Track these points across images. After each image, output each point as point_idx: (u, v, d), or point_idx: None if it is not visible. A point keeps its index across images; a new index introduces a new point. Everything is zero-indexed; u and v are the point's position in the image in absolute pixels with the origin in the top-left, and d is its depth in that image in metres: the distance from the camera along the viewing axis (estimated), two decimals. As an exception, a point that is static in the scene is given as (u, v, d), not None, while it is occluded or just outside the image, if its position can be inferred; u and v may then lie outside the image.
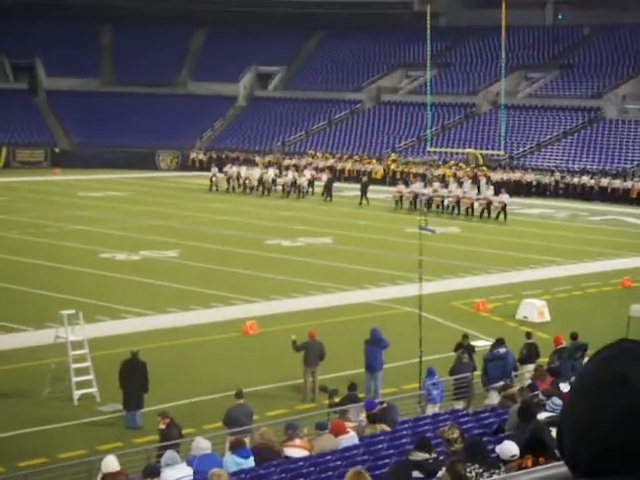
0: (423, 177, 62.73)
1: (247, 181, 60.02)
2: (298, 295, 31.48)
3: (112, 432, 19.51)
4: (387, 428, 16.07)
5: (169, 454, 13.90)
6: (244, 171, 60.86)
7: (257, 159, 72.47)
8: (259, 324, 27.27)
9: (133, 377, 19.85)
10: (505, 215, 49.66)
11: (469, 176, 62.03)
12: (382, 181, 64.23)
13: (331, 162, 69.22)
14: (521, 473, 2.46)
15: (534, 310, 28.99)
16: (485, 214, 50.48)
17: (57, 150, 76.76)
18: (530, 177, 62.62)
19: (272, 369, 23.34)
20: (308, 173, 60.80)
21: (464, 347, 21.73)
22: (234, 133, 79.99)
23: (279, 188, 59.21)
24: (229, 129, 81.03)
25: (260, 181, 59.49)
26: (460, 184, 54.95)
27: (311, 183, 59.13)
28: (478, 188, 61.63)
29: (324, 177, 59.28)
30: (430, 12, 64.73)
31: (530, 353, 21.84)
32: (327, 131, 78.29)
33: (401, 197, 53.81)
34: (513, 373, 20.35)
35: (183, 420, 20.04)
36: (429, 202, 51.71)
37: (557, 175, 62.41)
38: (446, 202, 52.46)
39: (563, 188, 61.49)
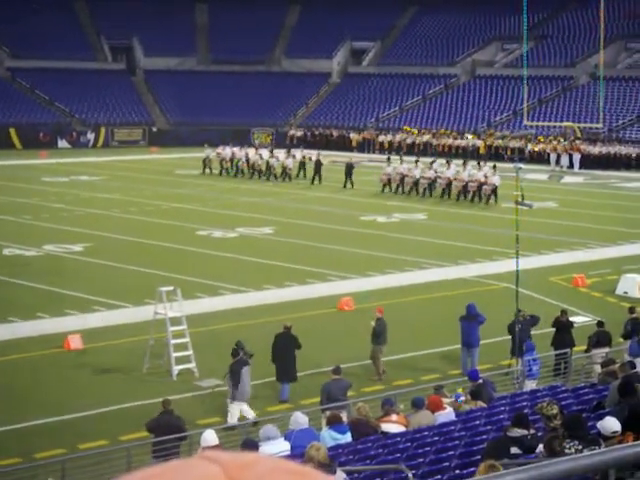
0: (521, 151, 61.94)
1: (240, 163, 56.23)
2: (393, 271, 31.41)
3: (211, 407, 19.76)
4: (483, 404, 15.97)
5: (268, 428, 13.96)
6: (237, 152, 57.11)
7: (352, 136, 72.50)
8: (355, 300, 27.31)
9: (285, 350, 20.21)
10: (496, 198, 45.36)
11: (566, 150, 61.15)
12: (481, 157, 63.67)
13: (426, 138, 68.88)
14: (623, 446, 2.41)
15: (634, 285, 28.46)
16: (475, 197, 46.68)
17: (154, 129, 77.85)
18: (630, 150, 61.35)
19: (368, 345, 23.32)
20: (299, 154, 56.57)
21: (558, 321, 21.50)
22: (328, 110, 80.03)
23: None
24: (323, 106, 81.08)
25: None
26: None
27: (302, 165, 55.00)
28: (571, 163, 60.65)
29: (313, 158, 54.12)
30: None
31: (635, 328, 21.42)
32: (421, 106, 77.81)
33: (389, 180, 49.49)
34: None
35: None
36: (416, 184, 48.38)
37: (658, 148, 61.07)
38: (437, 184, 48.08)
39: (664, 161, 60.15)
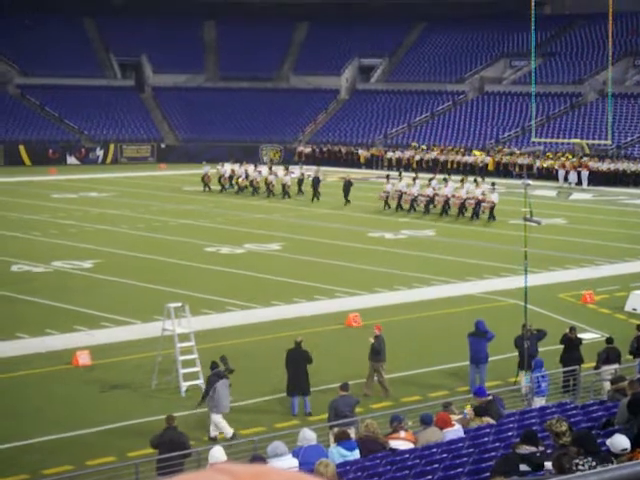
0: (529, 168, 61.88)
1: (240, 180, 55.99)
2: (401, 287, 31.39)
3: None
4: (492, 421, 15.91)
5: (276, 445, 13.93)
6: (237, 169, 57.02)
7: (360, 152, 72.56)
8: (362, 316, 27.27)
9: (297, 365, 20.28)
10: (493, 216, 45.29)
11: (574, 167, 61.10)
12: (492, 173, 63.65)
13: (434, 154, 68.93)
14: (634, 464, 2.41)
15: (644, 302, 28.36)
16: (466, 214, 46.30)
17: (163, 145, 78.03)
18: (638, 167, 61.30)
19: (376, 361, 23.28)
20: (298, 171, 56.42)
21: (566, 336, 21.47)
22: (336, 127, 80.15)
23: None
24: (331, 122, 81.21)
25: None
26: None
27: (300, 182, 54.81)
28: (580, 179, 60.57)
29: (312, 175, 53.79)
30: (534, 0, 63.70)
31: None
32: (430, 123, 77.88)
33: (387, 197, 49.12)
34: None
35: (289, 411, 20.22)
36: (413, 202, 48.00)
37: (667, 164, 60.98)
38: (435, 201, 47.69)
39: (673, 178, 60.06)
